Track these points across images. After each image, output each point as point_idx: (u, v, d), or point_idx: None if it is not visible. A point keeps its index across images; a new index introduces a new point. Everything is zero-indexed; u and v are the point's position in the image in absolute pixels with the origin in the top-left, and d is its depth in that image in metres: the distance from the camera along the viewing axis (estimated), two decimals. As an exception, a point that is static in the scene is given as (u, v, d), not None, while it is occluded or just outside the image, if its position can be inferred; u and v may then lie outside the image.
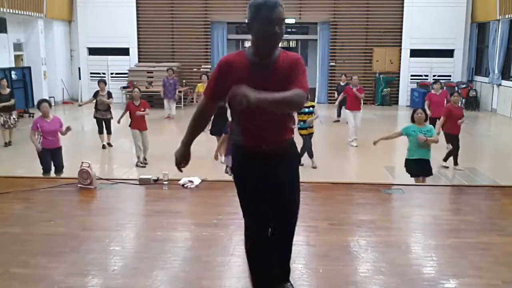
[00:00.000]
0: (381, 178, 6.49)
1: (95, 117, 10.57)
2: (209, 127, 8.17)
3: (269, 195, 2.87)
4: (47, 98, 16.50)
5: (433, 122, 10.15)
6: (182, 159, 2.91)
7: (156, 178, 5.63)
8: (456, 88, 17.29)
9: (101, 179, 5.68)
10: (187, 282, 3.42)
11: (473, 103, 16.87)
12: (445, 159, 8.80)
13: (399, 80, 18.25)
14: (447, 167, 8.83)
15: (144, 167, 8.65)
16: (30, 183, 5.66)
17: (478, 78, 17.76)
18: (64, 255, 3.75)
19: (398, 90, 18.32)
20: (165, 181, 5.59)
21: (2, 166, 8.74)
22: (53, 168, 7.21)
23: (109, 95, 10.60)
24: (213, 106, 2.86)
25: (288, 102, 2.55)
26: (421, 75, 17.91)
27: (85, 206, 5.13)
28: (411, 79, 18.14)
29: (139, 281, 3.36)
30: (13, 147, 10.47)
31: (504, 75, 15.75)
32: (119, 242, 4.05)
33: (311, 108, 8.58)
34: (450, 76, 18.02)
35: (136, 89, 9.47)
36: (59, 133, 7.13)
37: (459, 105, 8.79)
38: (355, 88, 10.87)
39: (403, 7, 17.69)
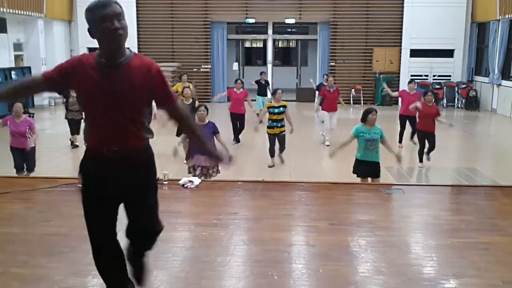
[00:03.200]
0: (381, 178, 6.47)
1: (66, 118, 10.14)
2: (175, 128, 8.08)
3: (113, 206, 2.79)
4: (46, 98, 16.61)
5: (402, 120, 10.40)
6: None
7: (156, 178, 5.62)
8: (456, 88, 17.37)
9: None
10: (187, 282, 3.42)
11: (473, 103, 16.86)
12: (420, 160, 8.82)
13: (399, 80, 18.24)
14: (423, 168, 8.80)
15: None
16: (30, 183, 5.66)
17: (478, 78, 17.76)
18: (64, 255, 3.75)
19: (398, 90, 18.28)
20: (165, 181, 5.59)
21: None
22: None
23: None
24: (42, 87, 2.77)
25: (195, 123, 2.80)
26: (421, 75, 17.90)
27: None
28: (411, 79, 18.09)
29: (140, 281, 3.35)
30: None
31: (504, 75, 15.75)
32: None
33: (281, 108, 8.52)
34: (450, 76, 18.01)
35: None
36: (29, 134, 7.02)
37: (433, 104, 8.84)
38: (331, 89, 10.81)
39: (403, 7, 17.68)
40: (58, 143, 10.62)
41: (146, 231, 2.93)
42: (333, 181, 6.23)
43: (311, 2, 18.10)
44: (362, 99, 17.95)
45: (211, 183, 5.93)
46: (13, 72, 15.02)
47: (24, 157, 7.08)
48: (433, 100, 8.89)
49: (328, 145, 10.53)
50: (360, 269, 3.60)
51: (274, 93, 8.94)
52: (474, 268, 3.59)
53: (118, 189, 2.72)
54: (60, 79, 2.67)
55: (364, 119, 6.21)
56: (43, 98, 16.45)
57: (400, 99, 11.02)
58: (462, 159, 9.78)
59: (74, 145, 10.26)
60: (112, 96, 2.57)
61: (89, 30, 2.62)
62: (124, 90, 2.56)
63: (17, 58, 16.26)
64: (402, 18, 17.76)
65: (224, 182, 6.11)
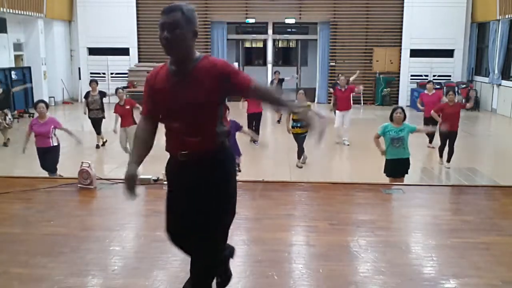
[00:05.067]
0: (381, 178, 6.48)
1: (89, 117, 10.61)
2: None
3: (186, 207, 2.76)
4: (47, 98, 16.61)
5: (426, 122, 10.27)
6: (128, 182, 2.77)
7: (156, 178, 5.62)
8: (456, 88, 17.35)
9: (101, 179, 5.68)
10: (187, 282, 3.42)
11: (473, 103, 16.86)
12: (441, 157, 8.84)
13: (399, 80, 18.25)
14: (448, 168, 8.83)
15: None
16: (30, 183, 5.65)
17: (478, 78, 17.77)
18: (64, 255, 3.75)
19: (398, 90, 18.32)
20: (165, 181, 5.57)
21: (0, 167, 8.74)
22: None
23: (102, 94, 10.60)
24: (150, 122, 2.80)
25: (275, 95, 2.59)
26: (421, 75, 17.91)
27: (85, 206, 5.13)
28: (411, 79, 18.13)
29: (139, 281, 3.36)
30: (11, 147, 10.46)
31: (504, 75, 15.75)
32: (119, 242, 4.05)
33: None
34: (450, 76, 18.02)
35: (120, 89, 9.56)
36: (52, 133, 7.12)
37: (456, 102, 8.85)
38: (343, 88, 10.82)
39: (403, 7, 17.69)
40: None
41: (198, 248, 2.78)
42: (333, 181, 6.23)
43: (311, 2, 18.11)
44: (362, 99, 17.95)
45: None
46: (13, 72, 15.03)
47: (50, 156, 7.17)
48: (455, 99, 8.91)
49: (348, 145, 10.55)
50: (360, 269, 3.60)
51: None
52: (474, 268, 3.59)
53: (192, 190, 2.72)
54: (153, 102, 2.75)
55: (390, 117, 6.41)
56: (43, 98, 16.44)
57: (419, 101, 10.90)
58: (462, 159, 9.77)
59: (98, 145, 10.39)
60: (182, 102, 2.60)
61: None
62: (193, 96, 2.59)
63: (17, 58, 16.27)
64: (402, 18, 17.76)
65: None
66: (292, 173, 8.39)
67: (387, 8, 17.91)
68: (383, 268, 3.57)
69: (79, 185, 5.41)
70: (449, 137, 8.72)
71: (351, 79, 11.58)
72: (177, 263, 3.68)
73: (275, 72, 14.45)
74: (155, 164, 4.28)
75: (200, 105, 2.60)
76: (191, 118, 2.63)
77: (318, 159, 9.65)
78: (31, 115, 14.32)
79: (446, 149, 8.87)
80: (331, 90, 13.23)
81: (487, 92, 16.74)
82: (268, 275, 3.45)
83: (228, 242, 4.03)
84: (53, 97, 17.03)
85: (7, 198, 5.08)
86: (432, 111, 9.06)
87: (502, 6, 15.18)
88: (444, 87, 17.50)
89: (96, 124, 10.54)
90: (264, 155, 10.00)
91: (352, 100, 17.56)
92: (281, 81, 13.70)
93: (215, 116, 2.69)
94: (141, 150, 2.82)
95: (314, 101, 14.24)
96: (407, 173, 6.46)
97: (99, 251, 3.86)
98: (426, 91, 10.76)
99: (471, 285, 3.37)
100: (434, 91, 10.60)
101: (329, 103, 17.13)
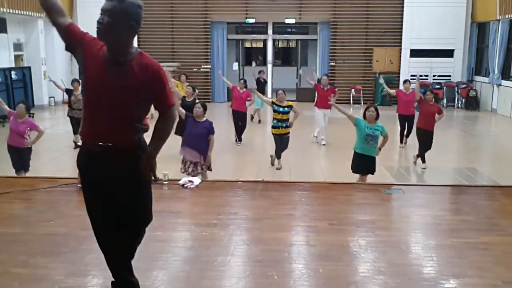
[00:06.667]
0: (381, 178, 6.48)
1: (69, 116, 10.18)
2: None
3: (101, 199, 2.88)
4: (47, 98, 16.62)
5: (400, 119, 10.44)
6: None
7: (156, 178, 5.62)
8: (456, 88, 17.36)
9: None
10: (187, 282, 3.42)
11: (473, 103, 16.86)
12: (423, 160, 8.75)
13: (399, 80, 18.23)
14: (425, 168, 8.75)
15: None
16: (30, 183, 5.66)
17: (478, 78, 17.75)
18: (64, 255, 3.75)
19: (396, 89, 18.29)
20: (165, 181, 5.59)
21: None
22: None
23: None
24: (62, 25, 2.75)
25: (167, 136, 2.80)
26: (421, 75, 17.88)
27: (85, 206, 5.12)
28: (411, 79, 18.09)
29: (139, 281, 3.36)
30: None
31: (504, 75, 15.75)
32: (119, 242, 4.04)
33: (286, 108, 8.45)
34: (450, 76, 18.01)
35: None
36: (27, 135, 7.01)
37: (433, 102, 8.88)
38: (325, 88, 10.81)
39: (403, 7, 17.68)
40: (58, 142, 10.62)
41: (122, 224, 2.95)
42: (333, 181, 6.23)
43: (311, 2, 18.10)
44: (362, 99, 17.95)
45: (211, 183, 5.94)
46: (13, 72, 15.01)
47: (19, 156, 7.06)
48: (433, 98, 8.90)
49: (324, 144, 10.54)
50: (360, 269, 3.60)
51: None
52: (474, 268, 3.60)
53: (102, 183, 2.80)
54: (76, 40, 2.73)
55: (363, 115, 6.35)
56: (43, 98, 16.45)
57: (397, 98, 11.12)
58: (462, 159, 9.78)
59: (76, 146, 10.29)
60: (109, 91, 2.61)
61: None
62: (128, 87, 2.61)
63: (17, 58, 16.25)
64: (402, 18, 17.75)
65: (224, 182, 6.11)
66: (292, 173, 8.38)
67: (387, 8, 17.90)
68: (383, 268, 3.57)
69: (79, 185, 5.39)
70: (425, 136, 8.68)
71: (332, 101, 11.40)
72: (177, 263, 3.68)
73: (259, 72, 14.40)
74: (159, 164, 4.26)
75: (125, 96, 2.63)
76: (111, 110, 2.65)
77: (324, 159, 9.64)
78: (32, 115, 14.31)
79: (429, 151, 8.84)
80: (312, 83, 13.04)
81: (487, 92, 16.73)
82: (268, 275, 3.45)
83: (228, 242, 4.05)
84: (53, 97, 17.01)
85: (7, 198, 5.08)
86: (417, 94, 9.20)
87: (502, 6, 15.17)
88: (444, 87, 17.56)
89: (77, 123, 10.21)
90: (245, 154, 9.97)
91: (353, 100, 17.83)
92: (265, 81, 13.62)
93: (136, 111, 2.73)
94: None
95: (314, 101, 14.20)
96: (373, 172, 6.38)
97: (99, 251, 3.82)
98: (403, 89, 10.80)
99: (471, 285, 3.37)
100: (411, 90, 10.61)
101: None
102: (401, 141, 8.72)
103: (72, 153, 9.52)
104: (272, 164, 8.69)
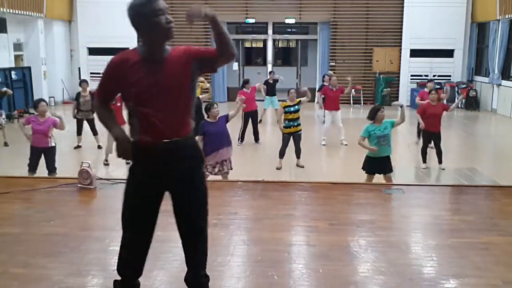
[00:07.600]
0: (381, 178, 6.47)
1: (75, 117, 10.33)
2: None
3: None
4: (47, 98, 16.60)
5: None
6: (122, 144, 2.72)
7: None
8: (456, 88, 17.35)
9: (101, 179, 5.68)
10: (187, 282, 3.41)
11: (473, 103, 16.87)
12: (424, 160, 8.75)
13: (399, 80, 18.25)
14: (426, 168, 8.71)
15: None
16: (30, 183, 5.66)
17: (478, 78, 17.76)
18: (64, 255, 3.75)
19: (398, 90, 18.31)
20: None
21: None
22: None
23: (93, 94, 10.52)
24: (104, 107, 2.79)
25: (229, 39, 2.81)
26: (421, 75, 17.90)
27: (85, 206, 5.13)
28: (411, 79, 18.12)
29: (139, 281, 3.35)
30: (12, 147, 10.45)
31: (504, 75, 15.75)
32: (119, 242, 4.04)
33: (296, 106, 8.47)
34: (450, 76, 18.01)
35: None
36: (51, 133, 7.09)
37: (439, 102, 8.71)
38: (334, 88, 10.82)
39: (403, 7, 17.68)
40: (58, 142, 10.51)
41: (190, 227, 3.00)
42: (334, 181, 6.23)
43: (311, 2, 18.10)
44: (362, 99, 17.95)
45: (211, 183, 5.91)
46: (13, 72, 15.03)
47: (44, 158, 7.11)
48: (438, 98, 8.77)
49: (324, 145, 10.54)
50: (360, 269, 3.60)
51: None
52: (474, 268, 3.59)
53: (166, 181, 2.87)
54: (111, 88, 2.73)
55: (373, 117, 6.33)
56: (43, 98, 16.45)
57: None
58: (462, 159, 9.77)
59: (77, 146, 10.35)
60: (159, 89, 2.61)
61: (134, 25, 2.65)
62: (171, 79, 2.63)
63: (17, 58, 16.27)
64: (402, 18, 17.75)
65: (224, 182, 6.11)
66: (292, 173, 8.38)
67: (387, 8, 17.90)
68: (383, 268, 3.57)
69: (79, 185, 5.41)
70: (432, 138, 8.66)
71: (345, 91, 11.52)
72: (177, 263, 3.68)
73: (270, 72, 14.42)
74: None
75: (175, 90, 2.65)
76: (169, 105, 2.64)
77: (324, 159, 9.64)
78: (31, 115, 14.31)
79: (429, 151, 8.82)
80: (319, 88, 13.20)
81: (487, 92, 16.73)
82: (268, 275, 3.45)
83: (228, 242, 4.05)
84: (53, 97, 17.02)
85: (7, 198, 5.08)
86: (416, 113, 8.95)
87: (502, 6, 15.17)
88: (445, 87, 17.56)
89: (89, 125, 10.38)
90: (248, 154, 9.98)
91: (353, 100, 17.83)
92: (275, 81, 13.69)
93: (190, 100, 2.75)
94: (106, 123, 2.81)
95: (314, 101, 14.23)
96: (391, 170, 6.41)
97: (99, 251, 3.86)
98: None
99: (471, 285, 3.37)
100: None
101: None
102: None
103: (73, 153, 9.53)
104: (302, 164, 8.69)
